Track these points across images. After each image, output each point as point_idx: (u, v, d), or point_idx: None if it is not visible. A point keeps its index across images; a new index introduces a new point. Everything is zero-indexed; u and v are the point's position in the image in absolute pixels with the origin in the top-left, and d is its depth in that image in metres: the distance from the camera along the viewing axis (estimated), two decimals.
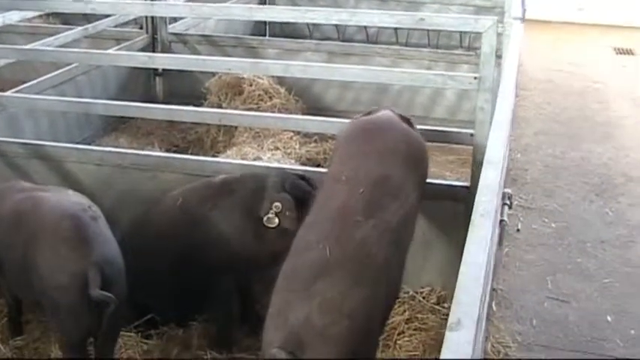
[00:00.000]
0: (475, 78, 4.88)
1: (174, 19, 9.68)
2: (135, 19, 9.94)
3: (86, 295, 4.02)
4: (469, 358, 1.82)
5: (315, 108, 8.48)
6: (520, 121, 9.51)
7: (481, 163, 4.89)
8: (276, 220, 4.61)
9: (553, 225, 7.00)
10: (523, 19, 5.60)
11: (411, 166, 4.20)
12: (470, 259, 2.36)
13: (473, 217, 2.73)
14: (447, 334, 1.93)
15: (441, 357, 1.87)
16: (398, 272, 3.97)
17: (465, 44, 10.66)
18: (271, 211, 4.62)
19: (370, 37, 11.03)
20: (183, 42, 9.41)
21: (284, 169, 5.35)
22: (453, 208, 5.12)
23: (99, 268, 4.07)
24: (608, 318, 5.61)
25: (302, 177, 4.89)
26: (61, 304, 4.15)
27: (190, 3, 7.87)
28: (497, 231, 3.30)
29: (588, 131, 9.35)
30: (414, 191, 4.08)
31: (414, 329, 5.04)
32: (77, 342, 4.27)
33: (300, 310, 3.46)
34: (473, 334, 1.92)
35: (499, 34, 5.51)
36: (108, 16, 8.98)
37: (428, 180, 5.30)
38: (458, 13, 9.52)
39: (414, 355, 4.84)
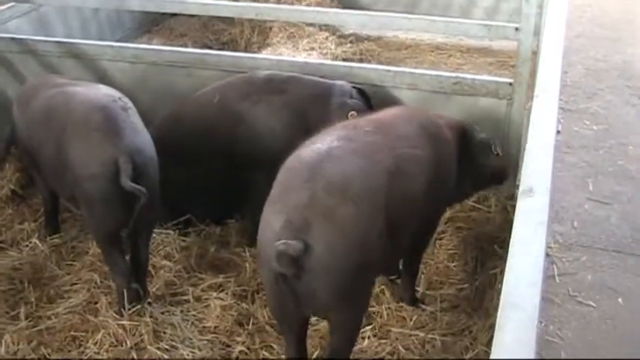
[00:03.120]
0: None
1: None
2: None
3: (118, 184, 3.98)
4: (545, 221, 1.75)
5: (351, 9, 8.29)
6: None
7: (527, 59, 4.81)
8: None
9: (594, 127, 6.86)
10: None
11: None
12: (536, 133, 2.26)
13: (536, 91, 2.61)
14: (520, 200, 1.84)
15: (515, 223, 1.79)
16: (428, 197, 3.85)
17: None
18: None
19: None
20: None
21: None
22: (496, 105, 5.02)
23: (130, 156, 4.02)
24: None
25: (357, 88, 4.89)
26: (93, 195, 4.11)
27: None
28: None
29: (631, 34, 9.09)
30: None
31: (455, 228, 4.98)
32: (110, 234, 4.24)
33: (303, 190, 3.31)
34: (547, 201, 1.83)
35: None
36: None
37: (471, 76, 5.23)
38: None
39: (455, 252, 4.79)
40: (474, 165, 4.35)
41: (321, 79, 4.99)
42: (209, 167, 4.88)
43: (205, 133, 4.88)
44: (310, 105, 4.76)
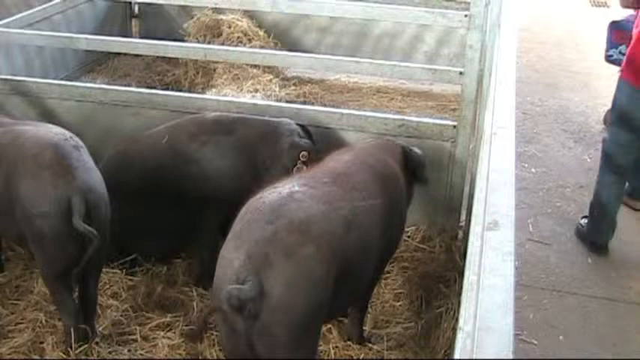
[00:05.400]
0: (465, 16, 4.85)
1: None
2: None
3: (70, 222, 3.96)
4: (512, 252, 1.83)
5: (295, 51, 8.41)
6: None
7: (471, 102, 4.94)
8: (305, 169, 4.62)
9: (533, 170, 7.03)
10: None
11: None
12: (496, 167, 2.35)
13: (492, 130, 2.71)
14: (486, 234, 1.93)
15: (483, 257, 1.86)
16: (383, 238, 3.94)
17: None
18: (299, 162, 4.64)
19: None
20: None
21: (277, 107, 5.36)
22: (440, 147, 5.13)
23: (83, 196, 4.02)
24: (589, 260, 5.67)
25: (300, 125, 4.97)
26: (45, 233, 4.07)
27: None
28: None
29: (566, 80, 9.36)
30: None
31: (400, 268, 5.05)
32: (61, 273, 4.20)
33: (265, 228, 3.36)
34: (512, 234, 1.92)
35: None
36: None
37: (416, 119, 5.34)
38: None
39: (400, 292, 4.86)
40: (414, 184, 4.51)
41: (267, 118, 5.06)
42: (156, 206, 4.89)
43: (154, 173, 4.89)
44: (259, 144, 4.82)
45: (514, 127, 2.66)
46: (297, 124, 4.95)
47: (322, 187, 3.70)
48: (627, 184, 6.17)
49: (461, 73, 4.99)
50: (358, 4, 5.52)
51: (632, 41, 5.47)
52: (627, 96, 5.45)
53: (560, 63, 10.11)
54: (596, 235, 5.76)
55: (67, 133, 4.42)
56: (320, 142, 4.88)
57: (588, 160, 7.27)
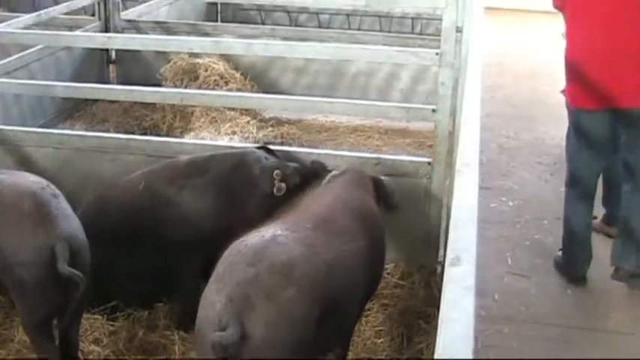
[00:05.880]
0: (436, 54, 4.93)
1: (126, 7, 9.62)
2: (84, 8, 9.81)
3: (53, 270, 3.97)
4: (472, 286, 1.88)
5: (271, 93, 8.46)
6: None
7: (444, 138, 5.01)
8: (284, 185, 4.72)
9: (510, 203, 7.10)
10: None
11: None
12: (459, 203, 2.40)
13: (458, 166, 2.77)
14: (448, 269, 1.98)
15: (445, 293, 1.91)
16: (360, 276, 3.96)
17: (417, 30, 10.74)
18: (276, 181, 4.70)
19: (322, 23, 11.07)
20: (137, 29, 9.32)
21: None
22: (416, 184, 5.18)
23: (65, 242, 4.03)
24: (568, 291, 5.72)
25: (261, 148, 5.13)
26: (27, 282, 4.06)
27: None
28: None
29: (541, 113, 9.45)
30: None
31: (380, 305, 5.08)
32: (43, 321, 4.19)
33: (247, 270, 3.39)
34: (473, 269, 1.97)
35: None
36: (58, 3, 8.89)
37: (391, 157, 5.40)
38: None
39: (381, 329, 4.88)
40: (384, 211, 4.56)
41: (234, 151, 5.15)
42: (136, 251, 4.90)
43: (132, 218, 4.91)
44: (232, 177, 4.88)
45: (477, 164, 2.72)
46: (258, 147, 5.08)
47: (305, 232, 3.74)
48: (604, 211, 6.26)
49: (434, 110, 5.06)
50: (332, 45, 5.61)
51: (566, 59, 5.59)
52: (574, 113, 5.57)
53: (535, 95, 10.23)
54: (572, 266, 5.81)
55: (44, 182, 4.43)
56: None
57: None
